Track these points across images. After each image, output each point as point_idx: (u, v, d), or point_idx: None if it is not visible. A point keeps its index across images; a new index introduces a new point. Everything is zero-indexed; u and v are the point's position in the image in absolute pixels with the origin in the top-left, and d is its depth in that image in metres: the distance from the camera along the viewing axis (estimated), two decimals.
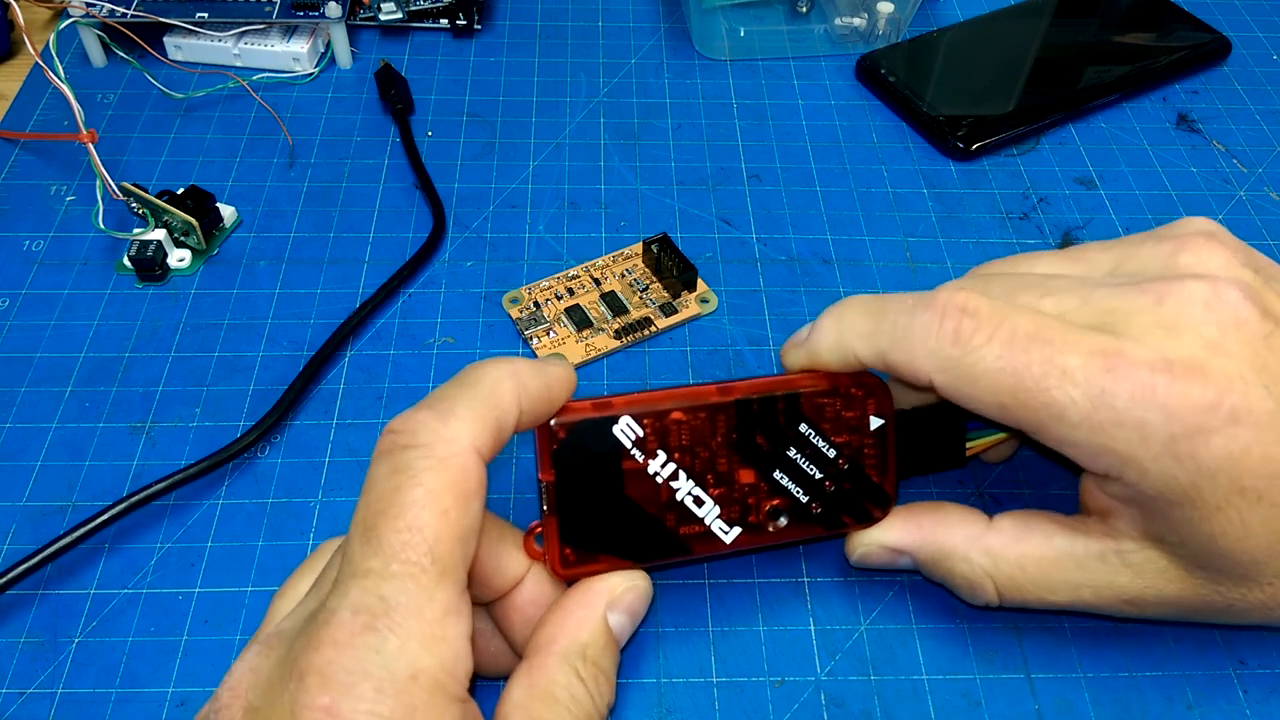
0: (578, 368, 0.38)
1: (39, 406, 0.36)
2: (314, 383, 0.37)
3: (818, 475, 0.29)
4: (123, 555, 0.33)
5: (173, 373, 0.37)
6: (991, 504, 0.34)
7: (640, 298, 0.40)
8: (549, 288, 0.40)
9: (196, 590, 0.32)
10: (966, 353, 0.26)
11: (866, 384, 0.29)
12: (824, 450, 0.29)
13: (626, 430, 0.28)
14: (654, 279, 0.40)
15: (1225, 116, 0.49)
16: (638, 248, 0.42)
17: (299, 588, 0.27)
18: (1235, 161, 0.47)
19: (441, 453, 0.23)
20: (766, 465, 0.29)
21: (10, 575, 0.30)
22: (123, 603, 0.31)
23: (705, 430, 0.28)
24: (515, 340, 0.39)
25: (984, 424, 0.31)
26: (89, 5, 0.47)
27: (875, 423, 0.29)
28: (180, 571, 0.32)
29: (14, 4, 0.47)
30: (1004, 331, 0.26)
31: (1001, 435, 0.32)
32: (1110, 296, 0.27)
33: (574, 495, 0.27)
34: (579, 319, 0.39)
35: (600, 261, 0.41)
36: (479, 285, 0.41)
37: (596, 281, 0.40)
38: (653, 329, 0.39)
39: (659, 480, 0.28)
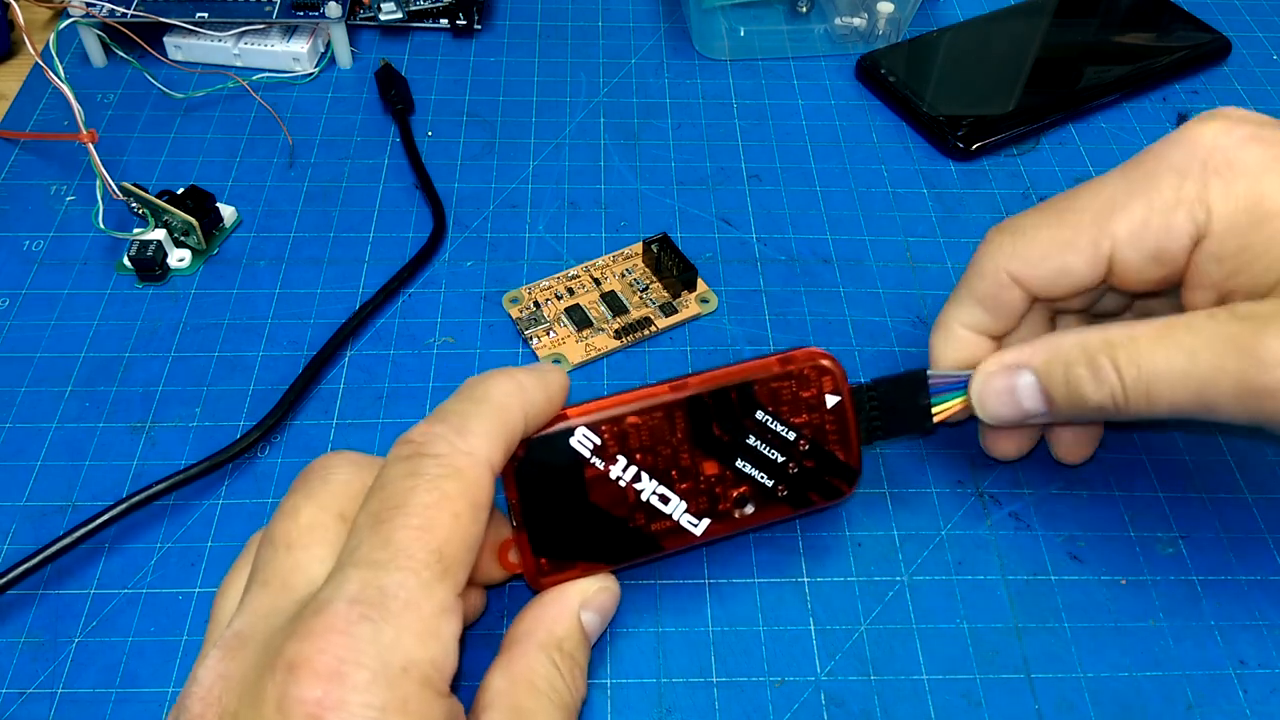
0: (578, 367, 0.38)
1: (39, 406, 0.36)
2: (314, 383, 0.37)
3: (779, 459, 0.30)
4: (123, 555, 0.33)
5: (173, 373, 0.37)
6: (991, 504, 0.34)
7: (640, 298, 0.40)
8: (549, 288, 0.40)
9: (196, 590, 0.32)
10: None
11: (819, 363, 0.30)
12: (783, 434, 0.30)
13: (584, 440, 0.28)
14: (654, 279, 0.40)
15: None
16: (638, 248, 0.42)
17: (238, 585, 0.26)
18: None
19: (459, 464, 0.24)
20: (728, 455, 0.29)
21: (10, 575, 0.30)
22: (123, 603, 0.31)
23: (664, 429, 0.29)
24: (515, 340, 0.39)
25: (947, 390, 0.31)
26: (89, 5, 0.47)
27: (832, 400, 0.30)
28: (180, 571, 0.32)
29: (14, 4, 0.47)
30: None
31: (966, 398, 0.31)
32: None
33: (540, 509, 0.28)
34: (579, 319, 0.39)
35: (600, 261, 0.41)
36: (479, 285, 0.41)
37: (596, 281, 0.40)
38: (653, 329, 0.39)
39: (622, 484, 0.29)
